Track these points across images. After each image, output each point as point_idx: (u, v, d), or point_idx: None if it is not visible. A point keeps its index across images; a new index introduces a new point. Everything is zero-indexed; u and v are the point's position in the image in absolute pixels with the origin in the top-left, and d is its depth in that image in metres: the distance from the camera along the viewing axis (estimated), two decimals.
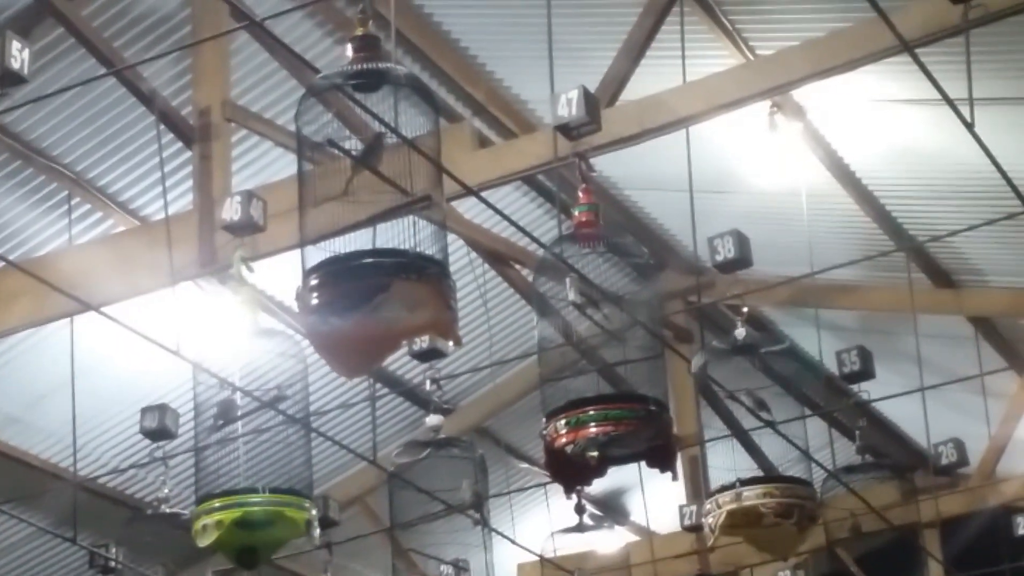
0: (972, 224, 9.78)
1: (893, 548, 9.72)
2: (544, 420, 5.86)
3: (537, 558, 10.37)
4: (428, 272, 4.93)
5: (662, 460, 5.90)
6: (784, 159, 10.03)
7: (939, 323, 11.76)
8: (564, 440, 5.75)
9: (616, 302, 5.88)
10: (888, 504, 9.22)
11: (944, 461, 9.97)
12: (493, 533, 8.77)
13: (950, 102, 6.21)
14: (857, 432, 9.36)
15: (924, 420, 10.35)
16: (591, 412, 5.75)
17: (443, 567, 8.92)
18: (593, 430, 5.73)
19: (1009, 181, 6.86)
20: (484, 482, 8.51)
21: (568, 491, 6.16)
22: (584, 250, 5.99)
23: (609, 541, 11.22)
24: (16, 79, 5.17)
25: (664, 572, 11.62)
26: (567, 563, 10.57)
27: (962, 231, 10.11)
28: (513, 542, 9.79)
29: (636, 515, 14.17)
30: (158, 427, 8.13)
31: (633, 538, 13.29)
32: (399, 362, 11.42)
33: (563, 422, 5.76)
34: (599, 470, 5.80)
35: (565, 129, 5.87)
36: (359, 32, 5.24)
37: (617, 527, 12.64)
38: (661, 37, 7.87)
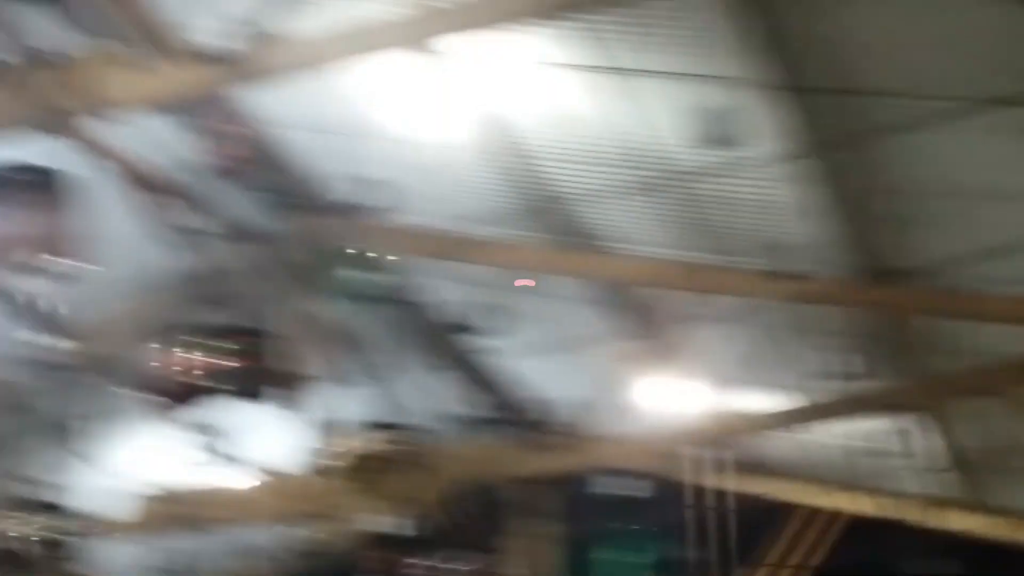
0: (614, 191, 9.98)
1: (497, 502, 9.94)
2: (154, 346, 5.85)
3: (162, 493, 10.24)
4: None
5: (269, 393, 5.96)
6: (440, 110, 10.07)
7: (573, 285, 12.00)
8: (171, 365, 5.76)
9: (252, 237, 5.85)
10: (506, 459, 9.42)
11: (563, 421, 10.22)
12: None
13: (606, 70, 6.32)
14: (478, 388, 9.50)
15: (547, 380, 10.59)
16: (200, 340, 5.76)
17: None
18: (199, 358, 5.74)
19: (649, 153, 7.03)
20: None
21: (169, 415, 6.19)
22: (226, 182, 5.94)
23: (234, 480, 11.16)
24: None
25: (288, 512, 11.62)
26: (192, 500, 10.48)
27: (603, 198, 10.31)
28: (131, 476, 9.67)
29: (262, 455, 14.10)
30: None
31: (260, 478, 13.24)
32: None
33: (172, 348, 5.76)
34: (201, 395, 5.84)
35: (216, 59, 5.80)
36: None
37: (244, 466, 12.58)
38: None
